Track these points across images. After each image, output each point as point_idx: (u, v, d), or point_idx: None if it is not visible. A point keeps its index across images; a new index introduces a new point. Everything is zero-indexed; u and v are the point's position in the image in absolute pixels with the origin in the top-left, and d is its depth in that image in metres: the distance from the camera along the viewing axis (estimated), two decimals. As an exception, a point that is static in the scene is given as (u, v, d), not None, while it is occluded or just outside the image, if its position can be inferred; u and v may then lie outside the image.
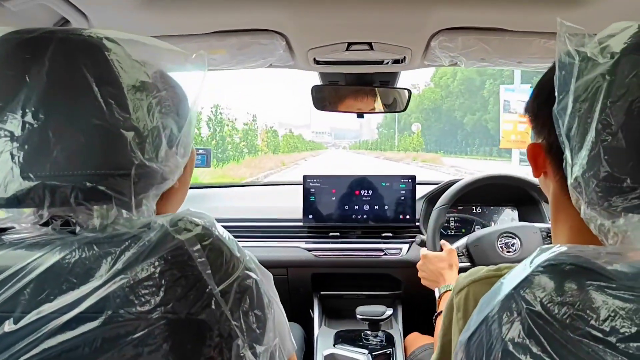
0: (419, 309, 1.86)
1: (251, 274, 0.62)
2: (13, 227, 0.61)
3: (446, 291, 1.39)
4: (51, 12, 0.96)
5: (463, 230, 2.10)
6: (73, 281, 0.53)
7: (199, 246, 0.56)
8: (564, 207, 0.62)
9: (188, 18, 1.09)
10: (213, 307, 0.55)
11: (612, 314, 0.44)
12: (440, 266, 1.49)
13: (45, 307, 0.52)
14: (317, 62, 1.39)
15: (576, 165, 0.51)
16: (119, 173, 0.56)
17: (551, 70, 0.63)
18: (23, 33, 0.58)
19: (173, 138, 0.63)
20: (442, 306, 1.31)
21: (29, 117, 0.54)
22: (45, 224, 0.59)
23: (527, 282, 0.50)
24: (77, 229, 0.58)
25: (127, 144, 0.57)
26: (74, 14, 0.97)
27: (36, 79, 0.55)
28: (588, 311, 0.45)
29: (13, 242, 0.57)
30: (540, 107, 0.64)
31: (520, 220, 2.05)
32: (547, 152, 0.63)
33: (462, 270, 1.67)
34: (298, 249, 1.96)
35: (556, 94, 0.53)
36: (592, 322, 0.45)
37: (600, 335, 0.44)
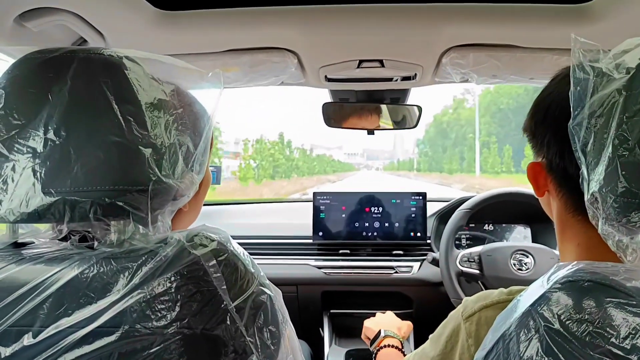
0: (431, 328, 1.83)
1: (265, 289, 0.62)
2: (32, 242, 0.62)
3: (389, 337, 1.28)
4: (69, 32, 0.99)
5: None
6: (91, 296, 0.53)
7: (214, 261, 0.57)
8: (569, 225, 0.62)
9: (202, 37, 1.11)
10: (228, 322, 0.55)
11: (633, 332, 0.43)
12: (394, 321, 1.39)
13: (63, 321, 0.52)
14: (328, 80, 1.40)
15: (593, 180, 0.51)
16: (136, 189, 0.57)
17: (547, 87, 0.64)
18: (45, 53, 0.59)
19: (189, 155, 0.64)
20: (387, 342, 1.25)
21: (51, 134, 0.55)
22: (64, 239, 0.60)
23: (544, 299, 0.49)
24: (95, 244, 0.59)
25: (145, 160, 0.57)
26: (91, 33, 1.00)
27: (58, 97, 0.56)
28: (608, 329, 0.44)
29: (32, 256, 0.57)
30: (538, 125, 0.64)
31: (533, 238, 2.04)
32: (548, 170, 0.63)
33: (468, 275, 1.67)
34: (308, 267, 1.95)
35: (571, 109, 0.53)
36: (613, 339, 0.44)
37: (621, 353, 0.43)
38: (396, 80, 1.43)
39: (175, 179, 0.61)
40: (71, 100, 0.56)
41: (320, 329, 1.97)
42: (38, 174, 0.55)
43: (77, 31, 0.98)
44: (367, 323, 1.38)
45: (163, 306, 0.53)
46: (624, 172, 0.47)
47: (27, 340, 0.51)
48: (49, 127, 0.56)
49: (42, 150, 0.55)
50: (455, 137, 56.25)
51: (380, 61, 1.26)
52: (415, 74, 1.36)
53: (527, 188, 1.75)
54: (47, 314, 0.52)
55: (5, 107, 0.57)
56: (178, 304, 0.53)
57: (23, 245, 0.62)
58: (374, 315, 1.44)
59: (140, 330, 0.52)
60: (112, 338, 0.51)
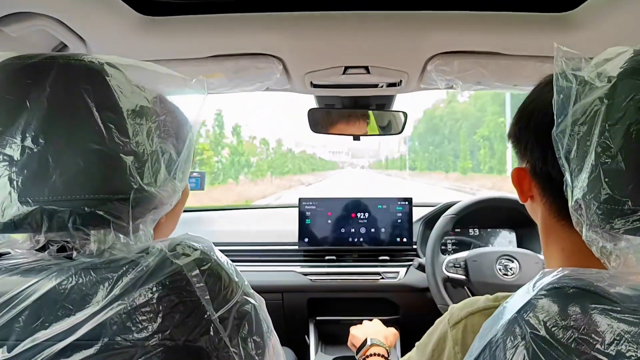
0: (417, 334, 1.83)
1: (250, 299, 0.61)
2: (8, 253, 0.60)
3: (375, 345, 1.27)
4: (50, 37, 0.97)
5: None
6: (69, 308, 0.52)
7: (197, 271, 0.56)
8: (553, 230, 0.62)
9: (185, 42, 1.10)
10: (211, 333, 0.55)
11: (618, 338, 0.44)
12: (380, 329, 1.38)
13: (39, 335, 0.51)
14: (314, 86, 1.40)
15: (577, 187, 0.51)
16: (117, 197, 0.56)
17: (531, 94, 0.65)
18: (24, 58, 0.58)
19: (172, 163, 0.64)
20: (373, 350, 1.25)
21: (28, 142, 0.54)
22: (41, 249, 0.58)
23: (530, 305, 0.49)
24: (74, 254, 0.58)
25: (126, 168, 0.56)
26: (72, 39, 0.98)
27: (37, 103, 0.55)
28: (593, 335, 0.45)
29: (9, 267, 0.56)
30: (522, 131, 0.65)
31: (518, 242, 2.06)
32: (532, 175, 0.64)
33: (454, 280, 1.68)
34: (294, 273, 1.94)
35: (555, 117, 0.54)
36: (598, 346, 0.44)
37: (606, 359, 0.43)
38: (382, 86, 1.44)
39: (157, 187, 0.60)
40: (50, 107, 0.55)
41: (306, 336, 1.96)
42: (14, 182, 0.54)
43: (57, 36, 0.96)
44: (354, 330, 1.37)
45: (144, 317, 0.52)
46: (606, 179, 0.48)
47: (2, 354, 0.50)
48: (27, 135, 0.54)
49: (19, 159, 0.54)
50: (449, 133, 50.35)
51: (366, 67, 1.26)
52: (401, 81, 1.36)
53: (512, 193, 1.77)
54: (23, 327, 0.51)
55: None
56: (160, 315, 0.52)
57: None
58: (360, 322, 1.43)
59: (120, 342, 0.51)
60: (91, 351, 0.51)
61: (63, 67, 0.57)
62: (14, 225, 0.55)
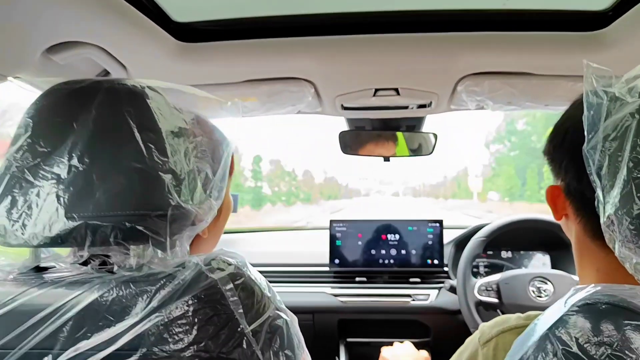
0: (449, 357, 1.80)
1: (282, 314, 0.62)
2: (54, 267, 0.63)
3: None
4: (94, 64, 1.03)
5: None
6: (110, 319, 0.54)
7: (231, 285, 0.57)
8: (588, 249, 0.61)
9: (221, 68, 1.14)
10: (244, 346, 0.55)
11: None
12: (411, 352, 1.34)
13: (82, 344, 0.52)
14: (345, 108, 1.42)
15: (608, 203, 0.51)
16: (156, 214, 0.58)
17: (566, 112, 0.65)
18: (72, 83, 0.62)
19: (208, 181, 0.66)
20: None
21: (75, 161, 0.57)
22: (84, 264, 0.61)
23: (562, 322, 0.49)
24: (115, 268, 0.60)
25: (164, 186, 0.59)
26: (114, 65, 1.03)
27: (83, 125, 0.59)
28: (627, 351, 0.44)
29: (54, 280, 0.58)
30: (556, 149, 0.64)
31: (552, 264, 2.00)
32: (567, 193, 0.63)
33: (486, 304, 1.64)
34: (324, 294, 1.94)
35: (585, 133, 0.53)
36: None
37: None
38: (412, 108, 1.45)
39: (193, 204, 0.62)
40: (95, 128, 0.59)
41: (337, 358, 1.94)
42: (62, 199, 0.57)
43: (101, 63, 1.01)
44: (385, 352, 1.36)
45: (180, 329, 0.53)
46: (639, 195, 0.47)
47: None
48: (74, 155, 0.57)
49: (66, 177, 0.57)
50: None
51: (396, 89, 1.27)
52: (431, 102, 1.37)
53: (546, 214, 1.73)
54: (67, 337, 0.53)
55: (32, 136, 0.59)
56: (195, 327, 0.54)
57: (45, 269, 0.63)
58: (391, 344, 1.42)
59: (157, 353, 0.52)
60: None
61: (108, 90, 0.61)
62: (60, 240, 0.57)
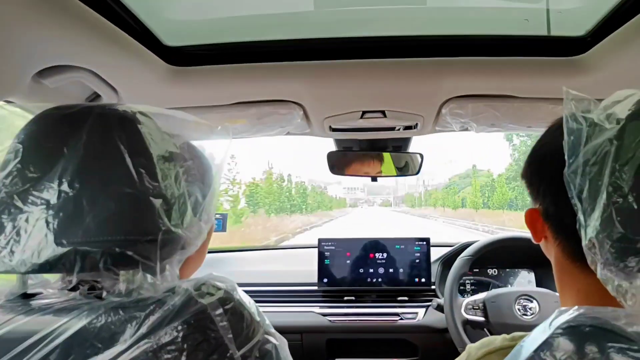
0: None
1: (271, 338, 0.62)
2: (41, 293, 0.62)
3: None
4: (84, 87, 1.03)
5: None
6: (98, 346, 0.53)
7: (221, 310, 0.57)
8: (568, 271, 0.62)
9: (211, 91, 1.15)
10: None
11: None
12: None
13: None
14: (333, 130, 1.44)
15: (589, 226, 0.51)
16: (146, 239, 0.58)
17: (543, 137, 0.66)
18: (63, 109, 0.62)
19: (198, 205, 0.66)
20: None
21: (65, 186, 0.57)
22: (73, 289, 0.60)
23: (547, 344, 0.49)
24: (104, 293, 0.59)
25: (155, 210, 0.59)
26: (105, 89, 1.04)
27: (73, 150, 0.59)
28: None
29: (41, 307, 0.58)
30: (534, 174, 0.66)
31: (537, 282, 2.02)
32: (545, 217, 0.64)
33: (473, 323, 1.65)
34: (313, 314, 1.93)
35: (566, 157, 0.55)
36: None
37: None
38: (398, 129, 1.47)
39: (184, 228, 0.62)
40: (86, 153, 0.59)
41: None
42: (51, 225, 0.57)
43: (91, 87, 1.01)
44: None
45: (169, 356, 0.53)
46: (619, 218, 0.48)
47: None
48: (64, 180, 0.57)
49: (55, 202, 0.57)
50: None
51: (383, 112, 1.29)
52: (417, 124, 1.39)
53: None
54: None
55: (22, 161, 0.59)
56: (184, 354, 0.53)
57: (32, 296, 0.62)
58: None
59: None
60: None
61: (99, 116, 0.61)
62: (49, 266, 0.57)
